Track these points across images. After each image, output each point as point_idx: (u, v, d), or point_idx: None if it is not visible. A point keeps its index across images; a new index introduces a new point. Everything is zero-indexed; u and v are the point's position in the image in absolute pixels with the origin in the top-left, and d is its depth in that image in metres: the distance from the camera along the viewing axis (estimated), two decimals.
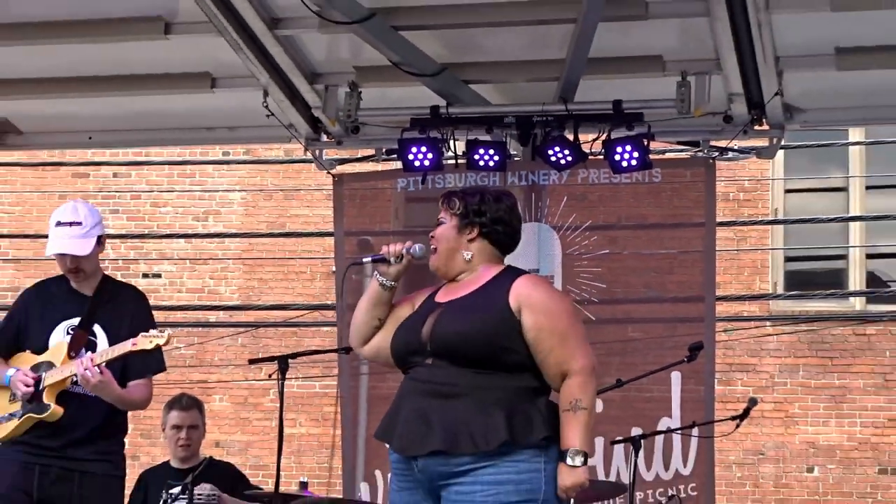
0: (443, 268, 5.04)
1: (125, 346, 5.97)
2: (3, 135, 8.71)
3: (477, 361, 4.80)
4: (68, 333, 6.17)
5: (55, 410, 6.01)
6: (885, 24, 7.05)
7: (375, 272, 5.08)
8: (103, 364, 5.92)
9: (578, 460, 4.68)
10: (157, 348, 6.04)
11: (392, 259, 5.00)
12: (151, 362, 6.24)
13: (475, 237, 5.02)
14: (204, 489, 7.14)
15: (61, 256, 6.23)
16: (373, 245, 8.69)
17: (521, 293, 4.83)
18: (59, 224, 6.25)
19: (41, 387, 6.01)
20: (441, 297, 5.03)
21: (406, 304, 5.16)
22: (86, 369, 5.88)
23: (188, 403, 7.82)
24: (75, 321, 6.20)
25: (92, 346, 6.08)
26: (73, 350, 6.08)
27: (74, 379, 6.02)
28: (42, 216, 14.90)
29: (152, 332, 6.04)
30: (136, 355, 6.07)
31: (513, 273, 5.03)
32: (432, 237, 5.04)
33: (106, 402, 6.11)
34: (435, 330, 4.87)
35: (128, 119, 8.72)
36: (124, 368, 6.09)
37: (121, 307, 6.29)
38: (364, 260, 5.54)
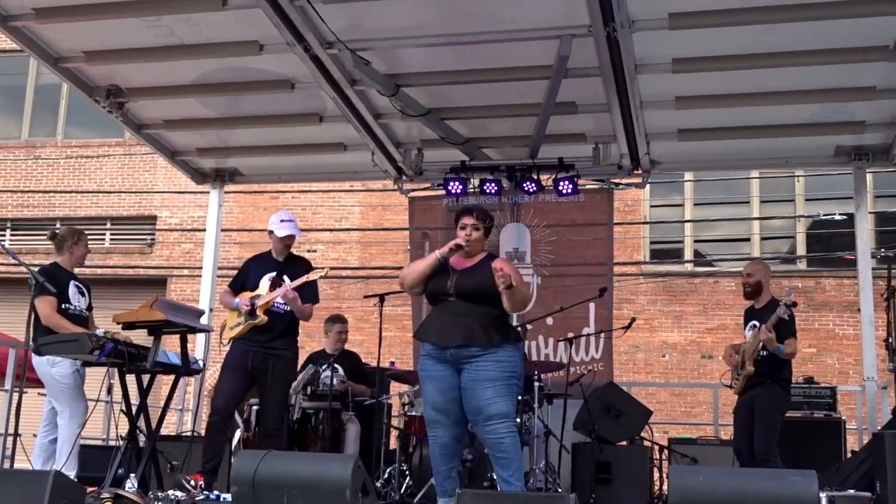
0: (473, 252, 4.99)
1: (303, 278, 6.00)
2: (235, 176, 8.66)
3: (478, 299, 4.83)
4: (269, 280, 6.15)
5: (263, 318, 6.01)
6: (708, 116, 7.00)
7: (436, 252, 4.99)
8: (295, 286, 5.98)
9: None
10: (315, 281, 6.11)
11: (464, 245, 4.94)
12: (313, 297, 6.20)
13: (484, 238, 5.06)
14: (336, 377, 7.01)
15: (283, 238, 6.24)
16: (430, 236, 8.59)
17: (494, 265, 4.81)
18: (283, 221, 6.27)
19: (255, 306, 6.03)
20: (455, 264, 4.98)
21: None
22: (286, 291, 5.95)
23: (342, 320, 7.76)
24: (273, 274, 6.17)
25: (282, 286, 6.05)
26: (272, 287, 6.09)
27: (273, 302, 6.04)
28: (254, 220, 14.94)
29: (317, 269, 6.16)
30: (307, 290, 6.10)
31: (492, 255, 5.08)
32: (470, 236, 4.97)
33: (288, 315, 6.10)
34: (456, 283, 4.89)
35: (300, 167, 8.62)
36: (301, 298, 6.04)
37: (297, 266, 6.25)
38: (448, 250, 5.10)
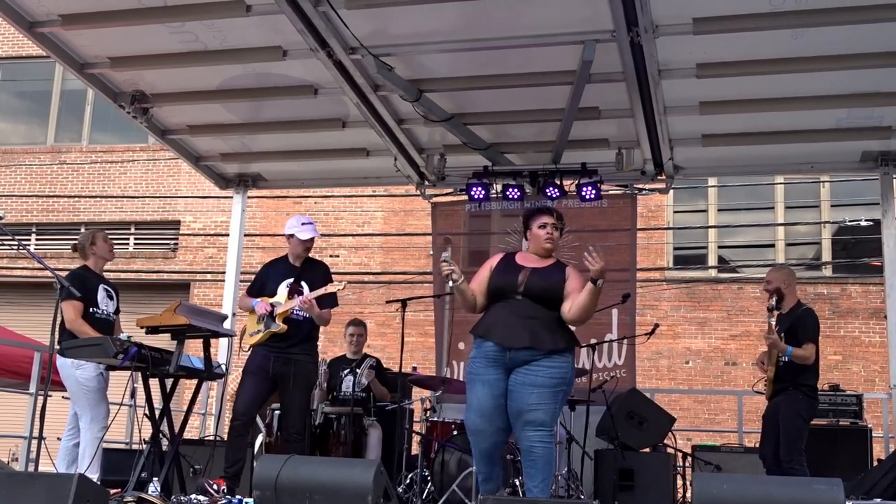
0: (553, 252, 4.96)
1: (320, 290, 5.98)
2: (258, 181, 8.68)
3: (546, 302, 4.75)
4: (287, 286, 6.14)
5: (282, 327, 6.01)
6: (733, 121, 6.95)
7: (449, 284, 4.78)
8: (312, 298, 5.96)
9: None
10: (335, 292, 6.08)
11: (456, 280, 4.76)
12: (332, 302, 6.17)
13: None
14: (365, 375, 7.01)
15: (306, 240, 6.22)
16: (452, 241, 8.49)
17: (567, 272, 4.81)
18: (304, 224, 6.25)
19: (274, 314, 6.03)
20: (525, 263, 4.89)
21: (485, 269, 4.98)
22: (303, 301, 5.94)
23: (360, 323, 7.75)
24: (291, 280, 6.17)
25: (300, 293, 6.06)
26: (291, 295, 6.08)
27: (293, 310, 6.04)
28: (277, 225, 14.88)
29: (336, 282, 6.08)
30: (326, 296, 6.04)
31: (561, 263, 4.98)
32: (551, 235, 4.93)
33: (308, 322, 6.09)
34: (528, 281, 4.79)
35: (323, 172, 8.63)
36: (319, 304, 6.02)
37: (316, 272, 6.25)
38: (448, 290, 5.08)
